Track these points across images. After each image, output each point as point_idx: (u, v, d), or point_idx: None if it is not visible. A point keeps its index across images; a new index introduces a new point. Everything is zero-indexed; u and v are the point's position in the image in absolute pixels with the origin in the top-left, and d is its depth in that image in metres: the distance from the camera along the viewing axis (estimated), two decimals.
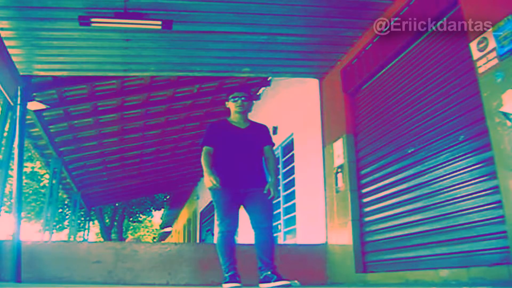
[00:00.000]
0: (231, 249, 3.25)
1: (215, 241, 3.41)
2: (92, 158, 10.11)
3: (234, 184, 3.30)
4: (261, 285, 3.08)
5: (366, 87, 4.67)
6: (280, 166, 7.19)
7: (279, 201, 7.06)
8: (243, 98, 3.48)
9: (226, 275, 3.18)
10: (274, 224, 3.41)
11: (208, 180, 3.27)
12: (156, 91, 7.46)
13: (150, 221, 31.79)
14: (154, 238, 32.10)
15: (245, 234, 3.35)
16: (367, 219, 4.38)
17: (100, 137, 8.86)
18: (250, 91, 3.63)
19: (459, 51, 3.27)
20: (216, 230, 3.35)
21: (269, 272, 3.09)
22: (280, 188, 7.05)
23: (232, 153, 3.39)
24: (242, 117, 3.52)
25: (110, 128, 8.61)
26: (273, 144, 3.63)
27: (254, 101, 3.68)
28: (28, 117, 6.22)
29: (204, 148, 3.42)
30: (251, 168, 3.38)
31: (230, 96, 3.51)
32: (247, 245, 3.43)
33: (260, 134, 3.55)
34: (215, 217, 3.39)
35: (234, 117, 3.54)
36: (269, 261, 3.16)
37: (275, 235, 3.36)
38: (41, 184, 16.17)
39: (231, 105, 3.52)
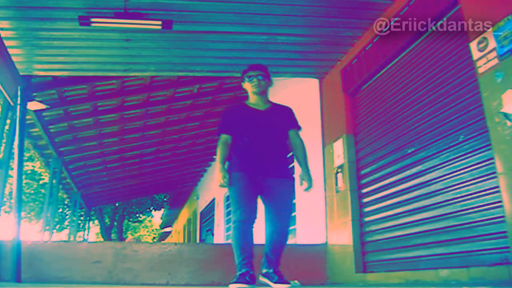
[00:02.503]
0: (246, 243, 2.87)
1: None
2: (92, 158, 10.11)
3: (252, 170, 2.97)
4: (261, 278, 2.96)
5: (366, 87, 4.67)
6: None
7: None
8: (260, 77, 3.10)
9: (238, 273, 2.82)
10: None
11: (217, 177, 2.97)
12: (156, 91, 7.46)
13: (150, 221, 31.81)
14: (154, 238, 32.10)
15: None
16: (367, 219, 4.38)
17: (100, 137, 8.86)
18: (267, 69, 3.22)
19: (459, 51, 3.27)
20: (232, 219, 2.98)
21: (271, 270, 2.91)
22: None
23: (250, 138, 3.02)
24: (261, 98, 3.14)
25: (110, 128, 8.61)
26: (299, 128, 3.20)
27: (273, 80, 3.24)
28: (28, 117, 6.22)
29: (221, 136, 3.09)
30: (272, 155, 3.01)
31: (245, 75, 3.14)
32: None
33: (282, 117, 3.15)
34: (231, 208, 3.03)
35: (252, 99, 3.17)
36: (274, 260, 2.95)
37: (289, 235, 3.11)
38: (41, 183, 16.17)
39: (247, 85, 3.15)
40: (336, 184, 4.83)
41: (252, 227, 2.93)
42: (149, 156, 11.00)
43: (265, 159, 3.00)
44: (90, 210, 16.56)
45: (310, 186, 3.07)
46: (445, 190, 3.28)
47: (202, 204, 15.13)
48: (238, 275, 2.80)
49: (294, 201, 3.26)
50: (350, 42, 4.76)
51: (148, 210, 24.37)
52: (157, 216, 29.02)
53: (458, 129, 3.21)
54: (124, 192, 15.48)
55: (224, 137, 3.09)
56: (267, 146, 3.02)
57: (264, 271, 2.97)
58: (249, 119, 3.07)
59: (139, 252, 4.59)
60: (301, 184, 3.06)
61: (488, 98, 2.83)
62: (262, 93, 3.14)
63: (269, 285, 2.91)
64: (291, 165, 3.29)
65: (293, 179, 3.14)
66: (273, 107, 3.18)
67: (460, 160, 3.16)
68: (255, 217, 2.93)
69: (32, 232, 19.34)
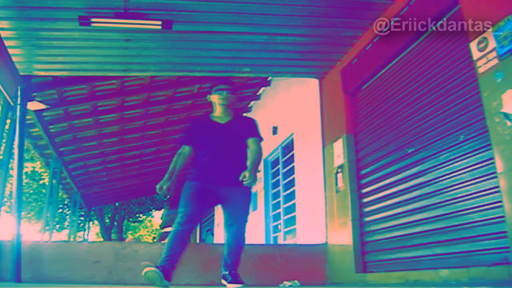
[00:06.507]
0: (177, 244, 3.00)
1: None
2: (92, 158, 10.10)
3: (205, 180, 3.16)
4: (222, 280, 3.15)
5: (366, 87, 4.67)
6: (280, 166, 7.20)
7: (279, 201, 7.07)
8: (228, 91, 3.28)
9: (159, 265, 3.03)
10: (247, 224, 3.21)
11: (159, 184, 3.18)
12: (156, 91, 7.45)
13: (150, 221, 31.79)
14: (154, 238, 32.09)
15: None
16: (367, 219, 4.39)
17: (100, 137, 8.86)
18: (233, 84, 3.54)
19: (459, 51, 3.27)
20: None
21: (227, 272, 3.10)
22: (280, 188, 7.05)
23: (210, 151, 3.21)
24: (225, 111, 3.32)
25: (110, 128, 8.61)
26: (259, 137, 3.32)
27: (236, 95, 3.45)
28: (28, 117, 6.22)
29: (181, 147, 3.32)
30: (230, 165, 3.16)
31: (214, 89, 3.31)
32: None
33: (243, 128, 3.30)
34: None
35: (217, 112, 3.35)
36: (229, 263, 3.11)
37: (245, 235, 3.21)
38: (41, 183, 16.17)
39: (214, 97, 3.32)
40: (336, 184, 4.83)
41: (188, 233, 3.06)
42: (149, 156, 10.99)
43: (221, 169, 3.16)
44: (90, 210, 16.55)
45: (250, 180, 2.96)
46: (445, 190, 3.28)
47: None
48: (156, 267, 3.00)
49: (251, 207, 3.32)
50: (350, 42, 4.76)
51: (148, 210, 24.36)
52: (157, 216, 29.00)
53: (458, 129, 3.21)
54: (124, 192, 15.47)
55: (183, 148, 3.30)
56: (224, 156, 3.18)
57: (222, 274, 3.18)
58: (209, 132, 3.26)
59: (139, 252, 4.59)
60: (242, 177, 2.98)
61: (488, 98, 2.83)
62: (228, 106, 3.31)
63: (225, 286, 3.09)
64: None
65: (249, 186, 3.13)
66: (234, 119, 3.35)
67: (460, 160, 3.16)
68: (193, 224, 3.09)
69: (32, 232, 19.34)
